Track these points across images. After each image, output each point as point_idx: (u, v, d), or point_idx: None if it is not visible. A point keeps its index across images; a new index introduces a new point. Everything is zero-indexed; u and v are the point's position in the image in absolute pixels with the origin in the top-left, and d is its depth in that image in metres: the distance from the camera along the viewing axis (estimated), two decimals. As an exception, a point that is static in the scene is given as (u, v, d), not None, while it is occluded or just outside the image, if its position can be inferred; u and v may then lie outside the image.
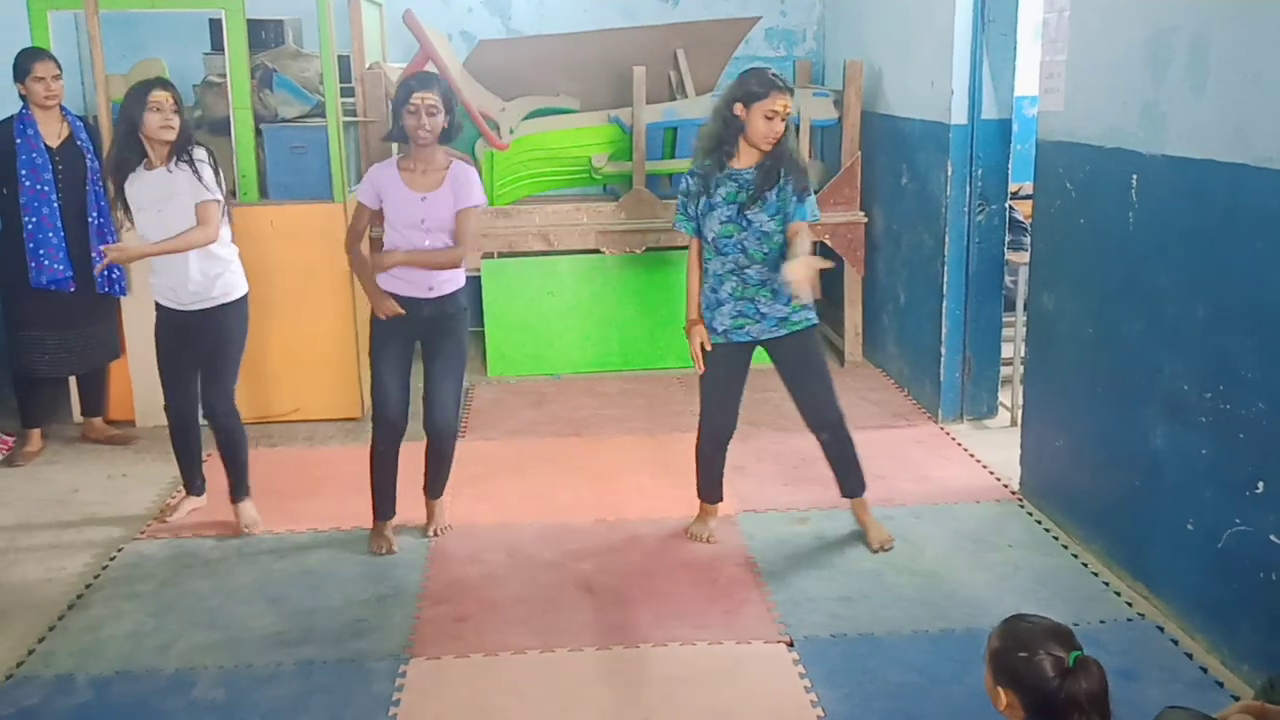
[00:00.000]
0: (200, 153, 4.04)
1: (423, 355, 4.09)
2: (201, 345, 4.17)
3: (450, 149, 4.07)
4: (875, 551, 4.07)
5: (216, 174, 4.09)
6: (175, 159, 4.01)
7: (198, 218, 4.00)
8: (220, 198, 4.08)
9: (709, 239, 3.89)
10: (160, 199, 4.01)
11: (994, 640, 2.18)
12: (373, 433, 4.11)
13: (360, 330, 5.60)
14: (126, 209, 4.09)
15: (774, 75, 3.77)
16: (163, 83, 4.04)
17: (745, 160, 3.85)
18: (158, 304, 4.18)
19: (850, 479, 4.16)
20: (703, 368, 3.97)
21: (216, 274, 4.10)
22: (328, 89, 5.31)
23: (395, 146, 4.37)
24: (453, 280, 4.01)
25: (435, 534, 4.24)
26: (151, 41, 6.52)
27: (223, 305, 4.13)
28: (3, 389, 5.36)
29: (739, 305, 3.90)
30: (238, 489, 4.35)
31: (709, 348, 3.94)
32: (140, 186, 4.03)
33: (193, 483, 4.48)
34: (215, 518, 4.41)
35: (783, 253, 3.80)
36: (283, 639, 3.54)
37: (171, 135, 3.97)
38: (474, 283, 6.68)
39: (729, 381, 4.04)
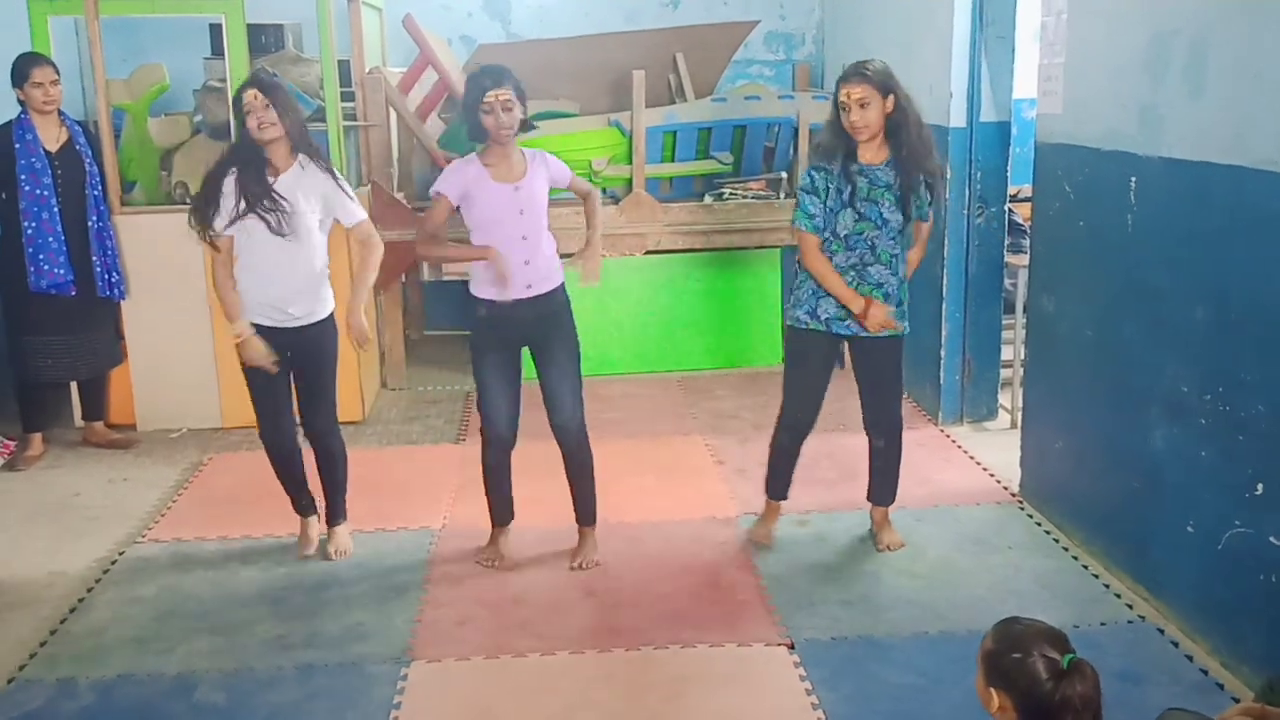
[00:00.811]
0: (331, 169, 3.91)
1: (534, 359, 3.91)
2: (304, 363, 3.96)
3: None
4: (880, 549, 4.09)
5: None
6: (305, 163, 3.84)
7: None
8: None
9: (841, 234, 3.82)
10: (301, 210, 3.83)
11: (987, 642, 2.17)
12: (483, 449, 3.98)
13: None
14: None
15: (854, 65, 3.78)
16: (255, 81, 3.79)
17: (874, 156, 3.81)
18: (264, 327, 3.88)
19: (884, 488, 4.18)
20: (903, 325, 3.93)
21: (319, 285, 3.94)
22: (328, 94, 5.33)
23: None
24: (550, 276, 3.83)
25: (581, 566, 4.00)
26: (152, 46, 6.53)
27: (327, 319, 3.97)
28: (4, 394, 5.37)
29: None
30: (336, 512, 4.18)
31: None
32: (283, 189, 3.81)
33: (309, 504, 4.21)
34: (218, 523, 4.41)
35: (903, 256, 3.90)
36: (284, 642, 3.55)
37: (272, 133, 3.74)
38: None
39: (820, 372, 4.01)
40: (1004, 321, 5.47)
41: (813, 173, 3.86)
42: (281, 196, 3.76)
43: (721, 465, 4.98)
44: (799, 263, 3.97)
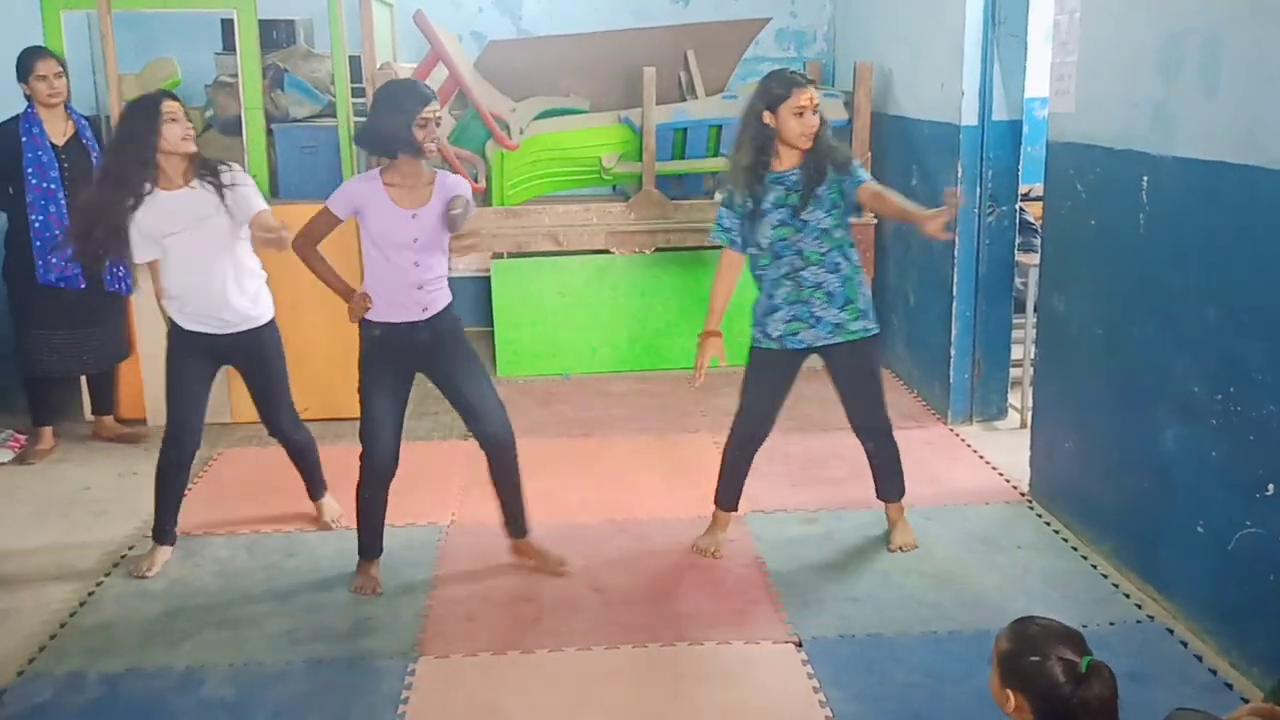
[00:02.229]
0: (231, 175, 3.81)
1: (436, 380, 3.84)
2: (250, 370, 4.00)
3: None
4: (892, 550, 4.08)
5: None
6: (199, 177, 3.77)
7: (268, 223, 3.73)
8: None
9: (764, 245, 3.82)
10: (195, 219, 3.74)
11: (1003, 642, 2.16)
12: (360, 475, 3.81)
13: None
14: (124, 242, 3.73)
15: (791, 73, 3.77)
16: (169, 94, 3.81)
17: (787, 162, 3.78)
18: (182, 329, 3.88)
19: (889, 484, 4.17)
20: (700, 380, 3.91)
21: (256, 290, 3.95)
22: (339, 89, 5.33)
23: (367, 160, 4.03)
24: (444, 295, 3.76)
25: (561, 567, 3.95)
26: (163, 41, 6.55)
27: (268, 324, 3.98)
28: (14, 388, 5.39)
29: (793, 310, 3.85)
30: (318, 487, 4.33)
31: (721, 363, 3.87)
32: (162, 210, 3.72)
33: (171, 531, 4.09)
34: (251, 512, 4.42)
35: (840, 253, 3.82)
36: (292, 637, 3.55)
37: (193, 147, 3.73)
38: (484, 283, 6.71)
39: (776, 388, 3.98)
40: (1014, 320, 5.45)
41: (728, 190, 3.87)
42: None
43: (730, 463, 4.97)
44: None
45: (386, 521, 4.26)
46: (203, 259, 3.80)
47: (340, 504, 4.32)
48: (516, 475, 3.94)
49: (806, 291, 3.83)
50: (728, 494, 4.17)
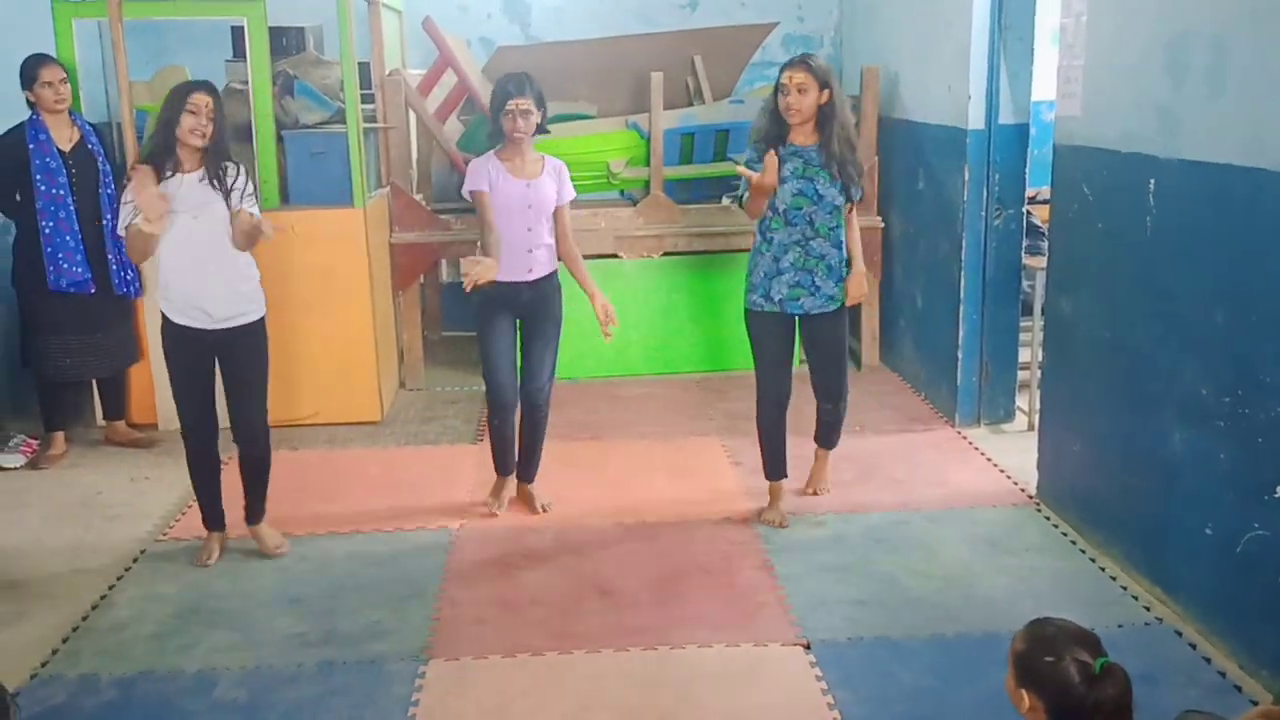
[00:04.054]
0: (235, 175, 3.91)
1: (523, 333, 4.36)
2: (236, 365, 4.02)
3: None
4: (806, 492, 4.54)
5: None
6: (207, 172, 3.87)
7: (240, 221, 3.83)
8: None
9: (779, 209, 4.11)
10: (197, 206, 3.85)
11: (1019, 643, 2.17)
12: (488, 408, 4.42)
13: (380, 334, 5.66)
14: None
15: (801, 55, 4.13)
16: (208, 86, 3.88)
17: (802, 137, 4.10)
18: (174, 324, 3.93)
19: (830, 436, 4.56)
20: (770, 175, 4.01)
21: (249, 288, 3.99)
22: (348, 95, 5.36)
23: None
24: (549, 262, 4.29)
25: (542, 510, 4.51)
26: (174, 48, 6.59)
27: (258, 320, 4.02)
28: (26, 393, 5.42)
29: (797, 276, 4.15)
30: (258, 512, 4.22)
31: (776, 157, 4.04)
32: (176, 191, 3.84)
33: (217, 517, 4.21)
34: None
35: (842, 232, 4.17)
36: (303, 640, 3.57)
37: (201, 142, 3.82)
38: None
39: (780, 349, 4.27)
40: (1021, 323, 5.45)
41: (750, 151, 4.19)
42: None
43: (738, 466, 4.99)
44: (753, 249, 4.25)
45: (395, 525, 4.30)
46: (194, 247, 3.86)
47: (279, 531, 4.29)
48: (537, 433, 4.48)
49: (812, 261, 4.15)
50: (774, 464, 4.43)
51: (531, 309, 4.31)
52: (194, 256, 3.87)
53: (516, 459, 4.51)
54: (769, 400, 4.33)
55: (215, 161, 3.89)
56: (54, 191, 4.91)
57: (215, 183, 3.87)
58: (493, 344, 4.29)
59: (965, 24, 5.15)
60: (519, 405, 4.39)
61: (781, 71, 4.08)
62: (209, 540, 4.20)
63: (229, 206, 3.87)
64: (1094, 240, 4.06)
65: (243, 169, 3.97)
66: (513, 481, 4.53)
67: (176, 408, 4.07)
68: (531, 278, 4.24)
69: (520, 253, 4.19)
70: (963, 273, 5.33)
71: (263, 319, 4.06)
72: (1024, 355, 5.49)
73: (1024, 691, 2.13)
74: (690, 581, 3.92)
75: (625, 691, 3.26)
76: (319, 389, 5.55)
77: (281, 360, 5.20)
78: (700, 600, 3.79)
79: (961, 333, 5.40)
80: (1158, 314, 3.68)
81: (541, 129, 4.27)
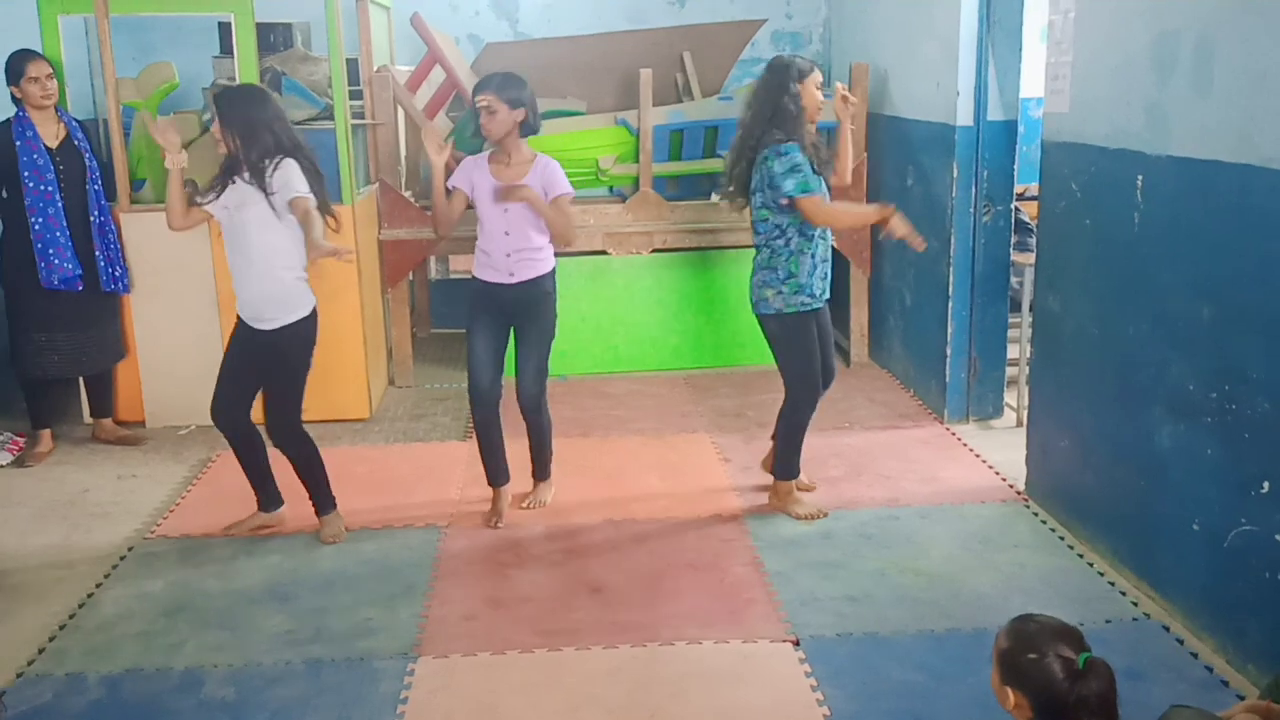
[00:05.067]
0: (276, 172, 3.95)
1: (515, 337, 4.36)
2: (265, 368, 4.12)
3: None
4: (766, 469, 4.61)
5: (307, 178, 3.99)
6: (239, 174, 3.97)
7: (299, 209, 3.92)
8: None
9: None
10: (236, 206, 3.98)
11: (1002, 640, 2.18)
12: (471, 410, 4.37)
13: (368, 332, 5.64)
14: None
15: (809, 60, 4.27)
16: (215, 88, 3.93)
17: (811, 135, 4.23)
18: (239, 315, 4.10)
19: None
20: (922, 245, 4.24)
21: (277, 290, 4.03)
22: (336, 92, 5.34)
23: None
24: (533, 267, 4.24)
25: (529, 506, 4.50)
26: (161, 45, 6.57)
27: (287, 327, 4.05)
28: (12, 391, 5.39)
29: (824, 268, 4.29)
30: (322, 502, 4.34)
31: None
32: (234, 191, 4.00)
33: (268, 496, 4.37)
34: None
35: None
36: (292, 638, 3.56)
37: (221, 149, 4.00)
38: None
39: (815, 345, 4.33)
40: (1010, 320, 5.47)
41: (795, 148, 4.11)
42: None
43: (728, 463, 4.99)
44: (777, 253, 4.19)
45: (384, 522, 4.28)
46: (231, 246, 4.05)
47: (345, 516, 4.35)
48: (535, 436, 4.50)
49: (829, 252, 4.33)
50: (798, 460, 4.43)
51: (516, 311, 4.29)
52: (231, 255, 4.06)
53: (529, 462, 4.54)
54: (812, 398, 4.33)
55: (256, 161, 3.94)
56: (42, 188, 4.88)
57: (254, 182, 3.95)
58: (473, 343, 4.30)
59: (954, 20, 5.15)
60: (499, 406, 4.37)
61: (810, 71, 4.15)
62: (253, 518, 4.34)
63: (272, 206, 3.94)
64: (1082, 237, 4.07)
65: (274, 163, 3.96)
66: (506, 491, 4.46)
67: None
68: (513, 280, 4.23)
69: (499, 255, 4.20)
70: (951, 269, 5.34)
71: (288, 326, 4.05)
72: (1012, 351, 5.50)
73: (1009, 689, 2.13)
74: (680, 578, 3.92)
75: (615, 688, 3.26)
76: (308, 386, 5.52)
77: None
78: (690, 597, 3.79)
79: (950, 329, 5.41)
80: (1145, 310, 3.69)
81: (530, 128, 4.22)
